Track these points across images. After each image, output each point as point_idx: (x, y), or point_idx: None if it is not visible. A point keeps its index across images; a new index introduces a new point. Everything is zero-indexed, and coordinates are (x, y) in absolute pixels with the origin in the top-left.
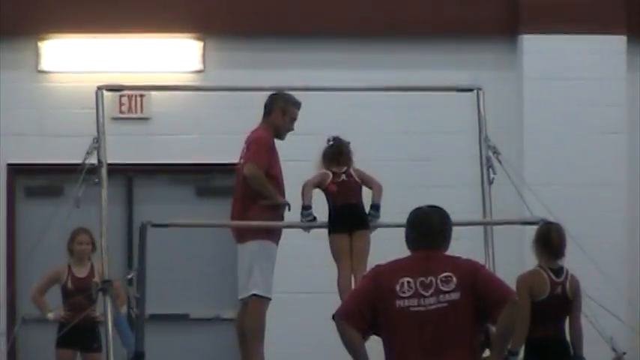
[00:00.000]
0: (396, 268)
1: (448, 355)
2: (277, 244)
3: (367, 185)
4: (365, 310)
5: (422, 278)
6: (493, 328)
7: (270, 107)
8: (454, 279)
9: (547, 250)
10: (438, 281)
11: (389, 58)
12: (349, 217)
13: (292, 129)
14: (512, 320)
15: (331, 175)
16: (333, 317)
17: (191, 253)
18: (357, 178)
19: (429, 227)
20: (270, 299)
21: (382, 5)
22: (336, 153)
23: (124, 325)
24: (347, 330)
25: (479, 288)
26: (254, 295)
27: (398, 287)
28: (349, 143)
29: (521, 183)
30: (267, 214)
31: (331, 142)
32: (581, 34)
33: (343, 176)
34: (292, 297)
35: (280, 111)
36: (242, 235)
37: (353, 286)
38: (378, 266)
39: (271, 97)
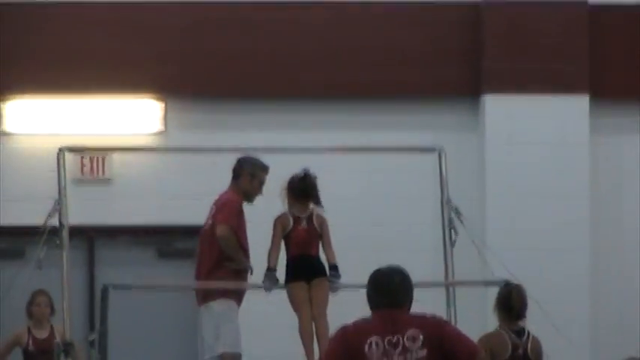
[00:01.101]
0: (363, 328)
1: None
2: (239, 306)
3: (322, 240)
4: None
5: (389, 337)
6: None
7: (238, 171)
8: (420, 336)
9: (508, 312)
10: (405, 339)
11: (351, 119)
12: (308, 265)
13: (261, 193)
14: None
15: (292, 220)
16: None
17: (153, 315)
18: (317, 227)
19: (390, 286)
20: (240, 355)
21: (344, 67)
22: (308, 188)
23: None
24: None
25: (446, 343)
26: (224, 353)
27: (367, 347)
28: (316, 178)
29: (483, 245)
30: (232, 277)
31: (303, 174)
32: (544, 94)
33: (304, 222)
34: None
35: (249, 175)
36: (207, 297)
37: (314, 333)
38: (344, 327)
39: (239, 161)
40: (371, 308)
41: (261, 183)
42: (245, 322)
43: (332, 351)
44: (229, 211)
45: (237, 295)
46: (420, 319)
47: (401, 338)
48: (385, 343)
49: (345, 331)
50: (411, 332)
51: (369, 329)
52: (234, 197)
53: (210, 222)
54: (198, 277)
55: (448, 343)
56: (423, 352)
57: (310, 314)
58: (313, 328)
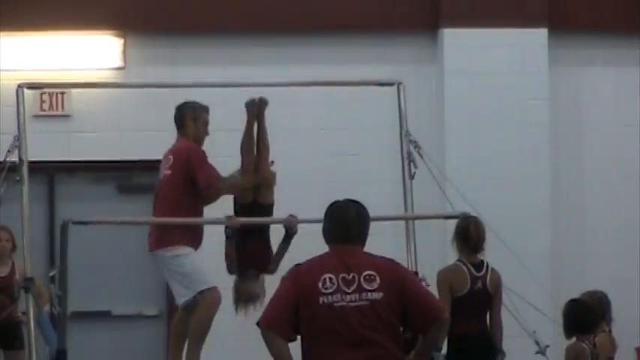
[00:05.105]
0: (316, 266)
1: (366, 351)
2: (196, 249)
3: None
4: (289, 315)
5: (344, 274)
6: None
7: (180, 120)
8: (377, 279)
9: (466, 245)
10: (361, 279)
11: (309, 53)
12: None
13: (208, 133)
14: (441, 338)
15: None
16: (258, 324)
17: (113, 250)
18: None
19: (346, 220)
20: (216, 287)
21: (302, 1)
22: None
23: (46, 323)
24: (274, 340)
25: (406, 297)
26: (202, 291)
27: (320, 284)
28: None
29: (443, 178)
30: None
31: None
32: (503, 28)
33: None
34: None
35: (191, 120)
36: (160, 242)
37: None
38: (297, 266)
39: (178, 109)
40: (326, 242)
41: (206, 123)
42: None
43: (283, 291)
44: (203, 162)
45: (195, 240)
46: (377, 261)
47: (357, 277)
48: (339, 280)
49: (296, 271)
50: (368, 273)
51: (322, 266)
52: (191, 145)
53: (168, 173)
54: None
55: (409, 298)
56: (378, 295)
57: None
58: None
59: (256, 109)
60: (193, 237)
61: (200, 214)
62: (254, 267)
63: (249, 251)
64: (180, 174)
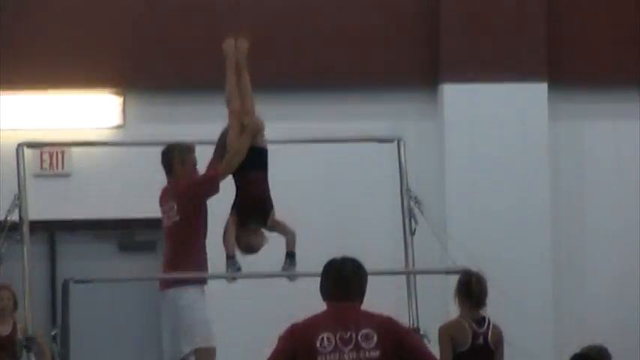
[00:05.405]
0: (313, 324)
1: None
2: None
3: (281, 233)
4: None
5: (341, 333)
6: None
7: (168, 164)
8: (375, 337)
9: (468, 300)
10: (359, 337)
11: (310, 109)
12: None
13: (197, 173)
14: None
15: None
16: None
17: (115, 308)
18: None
19: (343, 277)
20: (215, 348)
21: (303, 56)
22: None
23: None
24: None
25: (405, 354)
26: (198, 348)
27: (318, 343)
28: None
29: (444, 233)
30: (195, 268)
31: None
32: (503, 82)
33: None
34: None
35: (179, 164)
36: (170, 283)
37: None
38: (293, 325)
39: (164, 153)
40: (324, 299)
41: (194, 164)
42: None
43: (279, 350)
44: (200, 181)
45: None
46: (374, 318)
47: (354, 335)
48: (337, 338)
49: (292, 330)
50: (365, 331)
51: (319, 325)
52: (184, 182)
53: (177, 219)
54: (163, 270)
55: (408, 355)
56: (376, 353)
57: None
58: None
59: (235, 54)
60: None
61: (204, 248)
62: (254, 211)
63: (249, 184)
64: (185, 213)
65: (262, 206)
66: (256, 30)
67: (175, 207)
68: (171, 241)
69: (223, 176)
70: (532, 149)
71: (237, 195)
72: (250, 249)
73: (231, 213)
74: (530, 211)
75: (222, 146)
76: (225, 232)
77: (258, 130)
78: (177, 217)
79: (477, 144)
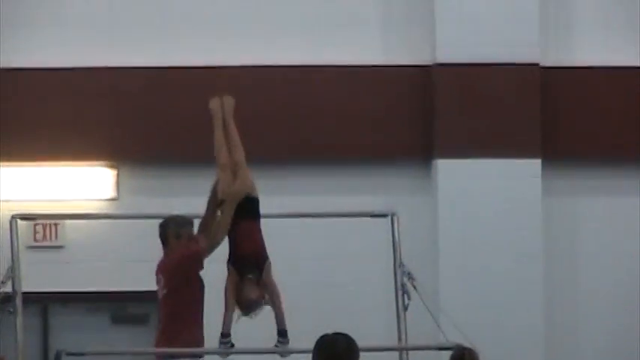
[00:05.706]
0: None
1: None
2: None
3: (269, 295)
4: None
5: None
6: None
7: (164, 237)
8: None
9: None
10: None
11: (302, 183)
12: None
13: None
14: None
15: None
16: None
17: None
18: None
19: (335, 354)
20: None
21: (296, 131)
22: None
23: None
24: None
25: None
26: None
27: None
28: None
29: (437, 308)
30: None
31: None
32: (496, 158)
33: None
34: None
35: (174, 237)
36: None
37: None
38: None
39: (161, 226)
40: None
41: (190, 238)
42: None
43: None
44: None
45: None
46: None
47: None
48: None
49: None
50: None
51: None
52: (172, 257)
53: (164, 292)
54: (155, 343)
55: None
56: None
57: None
58: None
59: (221, 112)
60: (197, 345)
61: (201, 315)
62: (249, 262)
63: (243, 234)
64: (173, 286)
65: (257, 256)
66: (253, 105)
67: (163, 280)
68: (162, 313)
69: (208, 252)
70: (525, 225)
71: (230, 246)
72: (250, 304)
73: (228, 267)
74: (523, 287)
75: (213, 200)
76: (226, 291)
77: (239, 198)
78: (165, 290)
79: (471, 219)
